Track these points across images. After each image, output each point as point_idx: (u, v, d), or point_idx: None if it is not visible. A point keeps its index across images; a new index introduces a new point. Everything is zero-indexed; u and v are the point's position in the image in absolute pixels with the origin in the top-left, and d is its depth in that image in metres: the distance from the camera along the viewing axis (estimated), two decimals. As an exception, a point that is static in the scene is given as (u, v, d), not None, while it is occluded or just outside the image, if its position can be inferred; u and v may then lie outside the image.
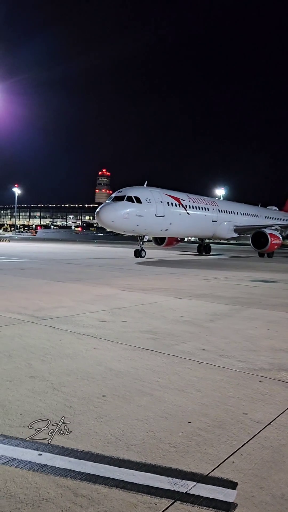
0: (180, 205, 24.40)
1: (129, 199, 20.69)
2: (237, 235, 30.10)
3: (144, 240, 22.83)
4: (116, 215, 20.08)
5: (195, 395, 3.11)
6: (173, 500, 1.85)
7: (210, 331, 5.28)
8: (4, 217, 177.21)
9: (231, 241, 33.70)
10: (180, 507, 1.81)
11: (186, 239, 42.68)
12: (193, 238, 34.34)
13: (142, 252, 21.99)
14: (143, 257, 21.73)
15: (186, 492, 1.92)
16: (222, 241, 36.39)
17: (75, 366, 3.67)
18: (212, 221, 27.96)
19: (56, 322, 5.37)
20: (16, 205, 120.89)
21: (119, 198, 20.81)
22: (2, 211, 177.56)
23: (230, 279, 12.66)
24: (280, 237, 28.06)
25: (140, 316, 6.06)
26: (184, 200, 25.04)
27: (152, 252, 28.10)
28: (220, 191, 67.73)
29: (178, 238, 29.89)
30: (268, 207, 40.62)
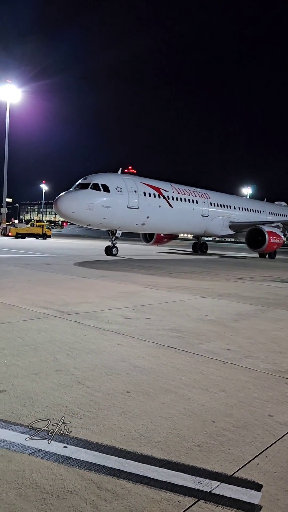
0: (161, 196, 21.17)
1: (95, 187, 17.66)
2: (233, 232, 26.69)
3: (117, 235, 19.64)
4: (77, 205, 17.08)
5: (219, 395, 3.09)
6: (197, 499, 1.85)
7: (235, 331, 5.22)
8: (31, 213, 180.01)
9: (227, 239, 30.69)
10: (204, 506, 1.80)
11: (182, 236, 38.85)
12: (190, 235, 30.58)
13: (114, 249, 19.03)
14: (115, 254, 18.89)
15: (210, 491, 1.91)
16: (217, 239, 33.30)
17: (99, 361, 3.70)
18: (202, 215, 24.43)
19: (81, 318, 5.42)
20: (43, 201, 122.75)
21: (83, 186, 17.80)
22: (29, 207, 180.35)
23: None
24: (282, 235, 24.66)
25: (165, 314, 6.06)
26: (166, 191, 21.75)
27: (133, 249, 26.28)
28: (246, 190, 66.74)
29: (170, 235, 26.80)
30: (275, 202, 36.73)
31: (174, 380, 3.33)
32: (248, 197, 52.40)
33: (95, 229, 20.29)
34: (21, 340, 4.19)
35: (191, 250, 30.44)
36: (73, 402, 2.79)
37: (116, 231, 19.39)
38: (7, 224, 46.41)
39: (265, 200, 34.67)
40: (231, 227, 26.34)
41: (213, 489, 1.92)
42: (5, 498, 1.77)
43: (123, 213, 18.59)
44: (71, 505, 1.76)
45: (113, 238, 19.54)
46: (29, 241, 33.03)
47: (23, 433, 2.32)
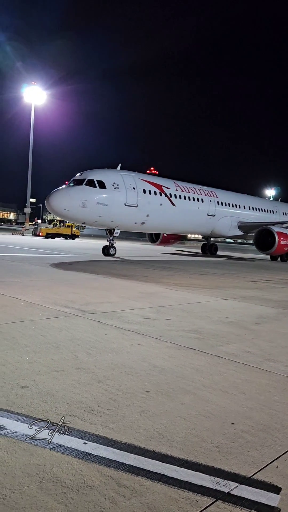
0: (162, 194, 20.08)
1: (90, 183, 16.78)
2: (242, 233, 25.38)
3: (115, 234, 18.61)
4: (70, 202, 16.21)
5: (239, 397, 3.08)
6: (215, 499, 1.86)
7: (256, 334, 5.19)
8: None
9: (233, 239, 29.16)
10: (221, 506, 1.81)
11: (192, 237, 37.46)
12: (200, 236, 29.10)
13: (111, 249, 17.94)
14: (113, 255, 17.85)
15: (228, 492, 1.91)
16: (227, 240, 31.82)
17: (119, 360, 3.74)
18: (208, 215, 23.18)
19: (101, 317, 5.47)
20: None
21: (78, 182, 16.93)
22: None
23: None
24: None
25: (185, 315, 6.06)
26: (168, 188, 20.53)
27: (136, 249, 25.65)
28: (270, 192, 65.87)
29: (177, 236, 25.59)
30: None
31: (193, 381, 3.34)
32: (271, 198, 51.40)
33: (100, 228, 19.58)
34: (43, 338, 4.26)
35: (198, 251, 29.73)
36: (93, 399, 2.84)
37: (114, 230, 18.45)
38: (31, 224, 47.09)
39: (279, 200, 33.15)
40: (240, 227, 25.12)
41: (231, 490, 1.93)
42: (27, 490, 1.82)
43: (120, 211, 17.63)
44: (91, 500, 1.79)
45: (111, 238, 18.53)
46: (57, 241, 33.49)
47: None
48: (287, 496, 1.91)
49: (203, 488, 1.94)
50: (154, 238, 25.52)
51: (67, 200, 16.25)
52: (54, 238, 39.23)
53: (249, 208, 26.96)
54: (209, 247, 28.24)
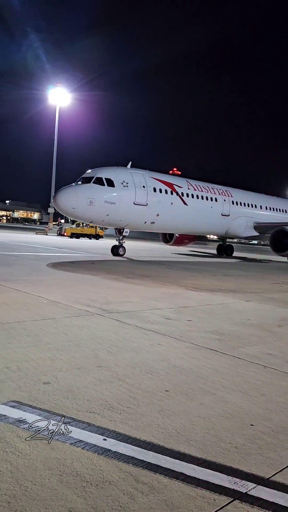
0: (174, 192, 19.36)
1: (99, 181, 16.34)
2: (258, 234, 24.43)
3: (124, 234, 18.16)
4: (77, 200, 15.80)
5: (259, 399, 3.07)
6: (232, 499, 1.86)
7: (278, 336, 5.14)
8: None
9: (243, 240, 27.67)
10: (239, 506, 1.82)
11: (210, 237, 35.91)
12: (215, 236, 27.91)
13: (120, 249, 17.54)
14: (122, 254, 17.43)
15: (245, 492, 1.92)
16: (242, 240, 29.99)
17: (139, 359, 3.77)
18: (222, 214, 22.31)
19: (122, 316, 5.52)
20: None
21: (86, 180, 16.54)
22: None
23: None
24: None
25: (206, 316, 6.05)
26: (180, 187, 19.80)
27: (149, 250, 25.08)
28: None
29: (192, 236, 24.53)
30: None
31: (213, 382, 3.34)
32: None
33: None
34: (64, 336, 4.33)
35: (213, 252, 29.03)
36: (113, 397, 2.87)
37: (123, 229, 17.99)
38: (54, 224, 47.66)
39: None
40: (256, 228, 24.16)
41: (249, 490, 1.93)
42: (48, 483, 1.87)
43: (129, 209, 17.14)
44: (109, 495, 1.83)
45: (120, 237, 18.10)
46: (81, 241, 33.82)
47: (65, 423, 2.42)
48: (305, 499, 1.91)
49: (220, 487, 1.95)
50: (167, 238, 24.83)
51: (74, 199, 15.90)
52: (78, 238, 39.64)
53: (266, 208, 25.94)
54: (225, 248, 27.44)
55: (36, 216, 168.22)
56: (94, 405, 2.72)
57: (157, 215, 18.49)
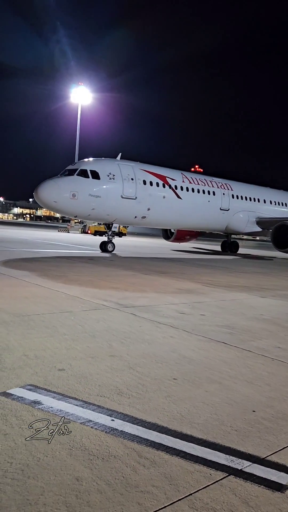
0: (166, 185, 18.25)
1: (83, 173, 15.54)
2: (261, 229, 22.77)
3: (113, 229, 17.50)
4: (59, 193, 14.96)
5: (263, 388, 3.18)
6: (228, 474, 2.01)
7: (289, 331, 5.21)
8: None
9: (244, 236, 25.90)
10: (233, 481, 1.96)
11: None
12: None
13: (109, 245, 16.92)
14: (110, 251, 16.83)
15: (240, 469, 2.06)
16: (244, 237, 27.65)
17: (151, 350, 3.92)
18: (221, 209, 20.97)
19: (137, 310, 5.68)
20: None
21: (70, 172, 15.74)
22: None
23: None
24: None
25: (219, 311, 6.16)
26: (173, 180, 18.67)
27: (146, 246, 24.15)
28: None
29: (193, 232, 23.59)
30: None
31: (220, 372, 3.47)
32: None
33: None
34: (80, 328, 4.53)
35: (216, 249, 27.77)
36: (123, 383, 3.04)
37: (112, 224, 17.25)
38: (76, 222, 48.14)
39: None
40: (258, 223, 22.67)
41: (244, 468, 2.07)
42: (58, 455, 2.05)
43: (116, 203, 16.22)
44: (114, 467, 1.99)
45: (110, 232, 17.49)
46: (103, 239, 34.10)
47: (77, 405, 2.60)
48: (297, 476, 2.03)
49: (217, 464, 2.09)
50: (169, 234, 23.85)
51: (56, 191, 15.05)
52: (102, 235, 40.03)
53: (270, 202, 24.31)
54: (229, 245, 25.95)
55: (58, 214, 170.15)
56: (105, 390, 2.89)
57: (148, 209, 17.51)
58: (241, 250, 27.97)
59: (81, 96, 49.51)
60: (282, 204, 25.16)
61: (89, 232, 40.97)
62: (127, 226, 41.71)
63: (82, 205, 15.47)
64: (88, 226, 42.25)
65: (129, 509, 1.72)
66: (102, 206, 15.86)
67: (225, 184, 22.04)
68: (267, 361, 3.88)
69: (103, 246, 17.06)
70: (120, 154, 18.19)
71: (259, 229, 22.85)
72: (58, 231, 45.11)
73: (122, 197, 16.33)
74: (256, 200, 23.39)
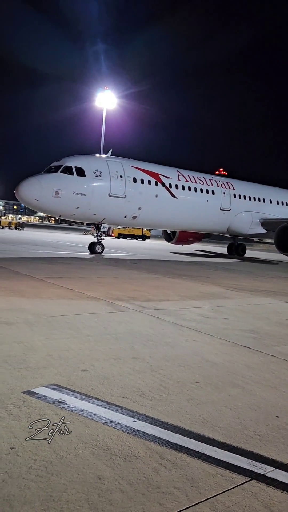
0: (159, 183, 17.08)
1: (67, 170, 14.73)
2: (266, 231, 21.30)
3: (102, 229, 16.79)
4: (40, 191, 14.13)
5: (286, 394, 3.14)
6: (250, 478, 2.00)
7: (315, 337, 5.13)
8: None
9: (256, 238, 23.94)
10: (255, 485, 1.95)
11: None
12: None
13: (98, 246, 16.16)
14: (99, 252, 16.14)
15: (263, 474, 2.04)
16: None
17: (173, 353, 3.93)
18: (222, 209, 19.64)
19: (160, 313, 5.69)
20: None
21: (54, 169, 14.95)
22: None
23: None
24: None
25: (243, 316, 6.11)
26: (168, 178, 17.49)
27: (144, 248, 23.48)
28: None
29: (197, 234, 22.18)
30: None
31: (243, 376, 3.44)
32: None
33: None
34: (103, 329, 4.57)
35: (222, 252, 26.73)
36: (145, 385, 3.06)
37: (100, 224, 16.44)
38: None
39: None
40: (263, 224, 21.29)
41: (266, 473, 2.06)
42: (81, 454, 2.08)
43: (103, 202, 15.30)
44: (135, 467, 2.01)
45: (99, 233, 16.67)
46: (127, 242, 34.32)
47: (99, 406, 2.63)
48: None
49: (240, 468, 2.08)
50: (171, 235, 22.56)
51: (37, 189, 14.21)
52: (125, 238, 40.25)
53: (276, 203, 22.89)
54: (236, 247, 24.70)
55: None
56: (127, 391, 2.91)
57: (139, 208, 16.49)
58: (251, 254, 26.72)
59: (107, 100, 49.87)
60: (286, 204, 23.75)
61: (113, 235, 41.28)
62: (151, 230, 41.70)
63: (65, 203, 14.70)
64: (112, 229, 42.42)
65: (150, 509, 1.73)
66: (88, 205, 15.08)
67: (226, 182, 20.81)
68: (291, 367, 3.83)
69: (92, 247, 16.33)
70: (111, 150, 17.42)
71: (264, 231, 21.51)
72: (83, 233, 45.53)
73: (110, 196, 15.46)
74: (261, 200, 22.08)
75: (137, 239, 41.48)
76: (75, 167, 14.89)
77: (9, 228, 43.44)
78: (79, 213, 15.26)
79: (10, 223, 45.74)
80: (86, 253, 16.61)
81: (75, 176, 14.76)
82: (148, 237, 43.33)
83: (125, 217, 16.45)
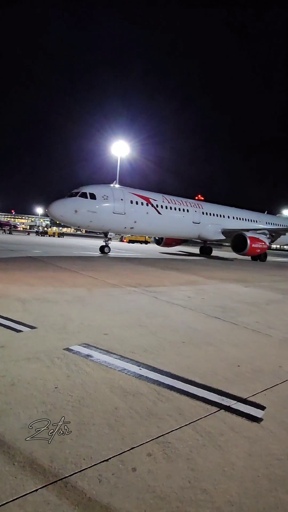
0: (149, 204, 17.31)
1: (83, 195, 14.97)
2: (225, 238, 21.68)
3: (109, 236, 16.67)
4: (64, 210, 14.58)
5: (245, 350, 3.13)
6: (220, 409, 1.99)
7: (265, 311, 5.10)
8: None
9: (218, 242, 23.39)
10: (223, 413, 1.95)
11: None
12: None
13: (106, 248, 16.13)
14: (107, 253, 15.91)
15: (229, 405, 2.04)
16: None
17: (167, 322, 3.92)
18: (194, 222, 19.92)
19: (158, 295, 5.68)
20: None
21: (73, 195, 15.17)
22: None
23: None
24: (266, 241, 19.37)
25: (215, 296, 6.08)
26: (155, 200, 17.79)
27: (137, 250, 22.70)
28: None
29: (178, 240, 22.30)
30: (277, 215, 30.37)
31: (215, 338, 3.43)
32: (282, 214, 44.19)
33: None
34: (118, 306, 4.56)
35: (196, 251, 26.51)
36: (148, 344, 3.05)
37: (108, 233, 16.49)
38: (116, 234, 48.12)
39: (265, 213, 28.12)
40: (223, 233, 21.59)
41: (231, 405, 2.05)
42: (103, 391, 2.09)
43: (109, 217, 15.45)
44: (141, 400, 2.01)
45: (106, 239, 16.72)
46: (134, 245, 34.19)
47: (116, 358, 2.63)
48: (269, 412, 2.00)
49: (212, 401, 2.08)
50: (159, 240, 22.73)
51: (63, 208, 14.52)
52: (134, 243, 40.10)
53: (232, 218, 23.15)
54: (205, 249, 24.82)
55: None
56: (135, 349, 2.91)
57: (135, 222, 16.51)
58: (215, 253, 26.83)
59: (120, 150, 48.91)
60: (240, 219, 24.26)
61: (124, 240, 41.15)
62: (151, 237, 41.48)
63: (82, 218, 14.86)
64: (124, 236, 42.28)
65: (151, 430, 1.74)
66: (98, 219, 15.24)
67: (197, 204, 21.04)
68: (248, 331, 3.81)
69: (102, 249, 16.21)
70: (115, 181, 17.62)
71: (223, 237, 21.69)
72: (103, 239, 45.39)
73: (114, 213, 15.57)
74: (221, 215, 22.33)
75: (141, 243, 41.34)
76: (89, 193, 15.03)
77: (54, 236, 43.46)
78: (92, 225, 15.39)
79: (54, 233, 45.71)
80: (93, 253, 16.62)
81: (88, 199, 14.91)
82: (149, 242, 43.14)
83: (125, 228, 16.57)
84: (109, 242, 16.81)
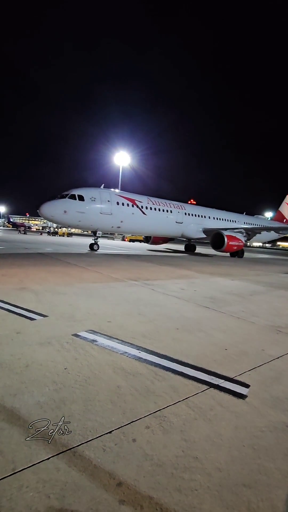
0: (135, 206, 16.65)
1: (72, 197, 14.29)
2: (205, 236, 21.05)
3: (98, 234, 16.03)
4: (54, 210, 13.93)
5: (232, 336, 3.13)
6: (209, 387, 1.99)
7: (249, 301, 5.10)
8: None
9: (205, 241, 22.67)
10: (213, 391, 1.95)
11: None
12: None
13: (95, 246, 15.65)
14: (95, 250, 15.32)
15: (217, 384, 2.04)
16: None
17: (163, 311, 3.91)
18: (177, 222, 19.31)
19: (155, 287, 5.67)
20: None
21: (62, 196, 14.44)
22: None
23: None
24: (242, 239, 18.94)
25: (205, 288, 6.07)
26: (140, 202, 17.14)
27: (126, 247, 22.20)
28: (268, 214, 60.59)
29: (164, 238, 21.98)
30: (255, 216, 29.76)
31: (205, 325, 3.43)
32: (269, 217, 44.41)
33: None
34: (120, 297, 4.55)
35: (181, 249, 25.82)
36: (146, 331, 3.04)
37: (96, 232, 15.88)
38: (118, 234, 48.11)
39: (244, 213, 27.63)
40: (204, 231, 20.97)
41: (220, 383, 2.05)
42: (106, 371, 2.08)
43: (96, 217, 14.83)
44: (140, 380, 2.01)
45: (96, 238, 16.19)
46: (134, 244, 34.09)
47: (118, 343, 2.62)
48: (252, 389, 2.00)
49: (203, 381, 2.08)
50: (148, 239, 22.00)
51: (52, 209, 13.85)
52: (133, 242, 39.95)
53: (213, 218, 23.05)
54: (190, 246, 24.56)
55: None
56: (135, 334, 2.90)
57: (121, 221, 15.89)
58: (198, 250, 26.67)
59: (122, 159, 48.13)
60: (220, 219, 23.96)
61: (126, 239, 40.95)
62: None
63: (71, 218, 14.19)
64: (126, 236, 42.01)
65: (149, 405, 1.73)
66: (86, 219, 14.61)
67: (180, 205, 20.68)
68: (234, 319, 3.81)
69: (91, 246, 15.71)
70: (103, 184, 17.10)
71: (204, 236, 21.34)
72: (108, 239, 45.36)
73: (101, 213, 14.92)
74: (202, 216, 22.02)
75: (140, 242, 41.19)
76: (77, 194, 14.46)
77: (63, 236, 43.35)
78: (81, 224, 14.95)
79: (64, 233, 45.58)
80: (109, 251, 16.59)
81: (77, 201, 14.38)
82: (142, 241, 42.91)
83: (112, 227, 16.12)
84: (98, 240, 16.45)
